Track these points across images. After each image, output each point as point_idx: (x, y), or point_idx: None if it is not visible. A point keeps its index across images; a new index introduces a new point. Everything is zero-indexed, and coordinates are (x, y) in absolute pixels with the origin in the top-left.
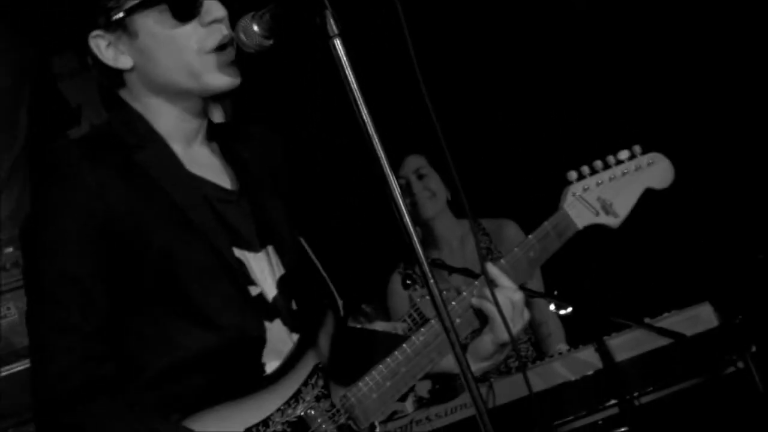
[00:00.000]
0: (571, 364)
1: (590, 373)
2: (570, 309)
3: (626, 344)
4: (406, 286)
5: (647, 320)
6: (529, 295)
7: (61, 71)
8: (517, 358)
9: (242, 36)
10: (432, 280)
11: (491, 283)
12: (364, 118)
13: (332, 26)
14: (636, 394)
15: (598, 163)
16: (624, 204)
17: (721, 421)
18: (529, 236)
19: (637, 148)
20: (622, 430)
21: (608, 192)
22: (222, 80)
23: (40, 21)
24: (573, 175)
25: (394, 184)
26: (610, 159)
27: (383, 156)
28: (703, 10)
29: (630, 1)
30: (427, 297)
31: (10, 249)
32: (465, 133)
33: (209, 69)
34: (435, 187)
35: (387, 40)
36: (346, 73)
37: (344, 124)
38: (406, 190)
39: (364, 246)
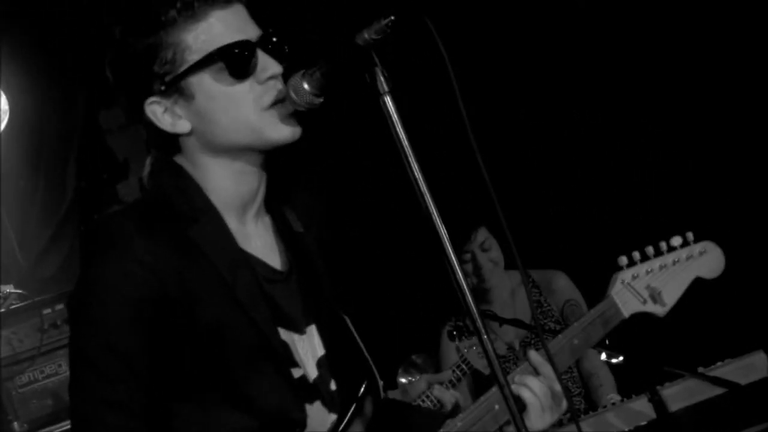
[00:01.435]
0: (624, 415)
1: (644, 423)
2: (621, 359)
3: (680, 394)
4: (452, 337)
5: (701, 369)
6: None
7: (108, 126)
8: (568, 410)
9: (293, 94)
10: (485, 336)
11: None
12: (415, 174)
13: (382, 83)
14: None
15: (650, 249)
16: (673, 293)
17: None
18: (574, 324)
19: (690, 236)
20: None
21: (658, 280)
22: (283, 132)
23: (90, 75)
24: (623, 260)
25: (446, 239)
26: (662, 245)
27: (434, 210)
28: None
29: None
30: (475, 348)
31: (60, 306)
32: (517, 181)
33: (269, 123)
34: (496, 256)
35: (439, 98)
36: (397, 130)
37: (394, 180)
38: (473, 263)
39: (418, 298)
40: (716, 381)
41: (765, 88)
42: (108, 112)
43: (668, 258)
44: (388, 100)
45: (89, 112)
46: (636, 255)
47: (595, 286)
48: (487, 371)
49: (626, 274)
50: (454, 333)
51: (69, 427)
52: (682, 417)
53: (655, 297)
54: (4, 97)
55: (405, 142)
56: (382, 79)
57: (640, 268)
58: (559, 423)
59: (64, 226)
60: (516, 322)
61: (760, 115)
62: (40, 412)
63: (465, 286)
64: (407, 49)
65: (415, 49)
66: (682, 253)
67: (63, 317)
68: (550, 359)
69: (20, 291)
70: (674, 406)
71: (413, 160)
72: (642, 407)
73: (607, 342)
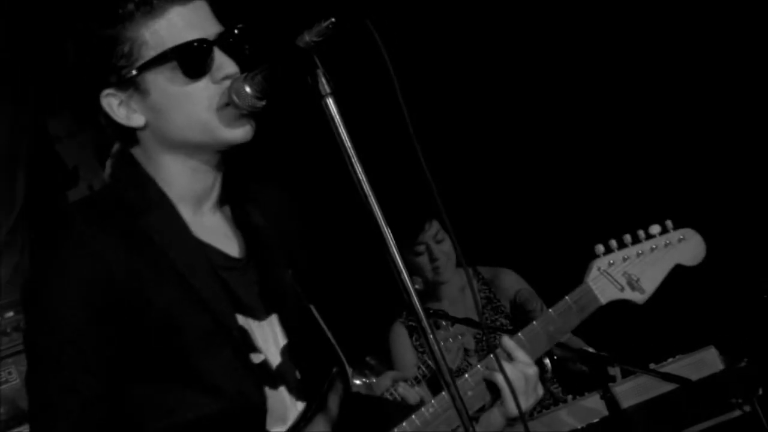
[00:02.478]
0: (576, 412)
1: (596, 420)
2: (585, 368)
3: (632, 390)
4: (411, 333)
5: (652, 366)
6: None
7: (57, 133)
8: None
9: (235, 97)
10: (432, 336)
11: (498, 356)
12: (359, 175)
13: (324, 85)
14: None
15: (627, 237)
16: (652, 280)
17: None
18: (550, 310)
19: (669, 223)
20: None
21: (635, 268)
22: (236, 133)
23: (37, 82)
24: (600, 248)
25: (391, 240)
26: (641, 233)
27: (378, 212)
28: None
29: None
30: (443, 343)
31: (11, 313)
32: (466, 180)
33: (222, 123)
34: (448, 249)
35: (381, 97)
36: (340, 131)
37: (339, 182)
38: (428, 254)
39: (362, 298)
40: (667, 377)
41: (733, 72)
42: (57, 120)
43: (646, 245)
44: (330, 102)
45: (37, 120)
46: (613, 243)
47: (572, 277)
48: (453, 366)
49: (602, 262)
50: (414, 329)
51: None
52: (634, 413)
53: (633, 284)
54: None
55: (347, 143)
56: (323, 81)
57: (617, 255)
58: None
59: (14, 234)
60: (466, 321)
61: (734, 103)
62: None
63: (407, 284)
64: (351, 50)
65: (360, 49)
66: (661, 241)
67: (13, 325)
68: (495, 355)
69: None
70: (626, 402)
71: (356, 160)
72: (594, 404)
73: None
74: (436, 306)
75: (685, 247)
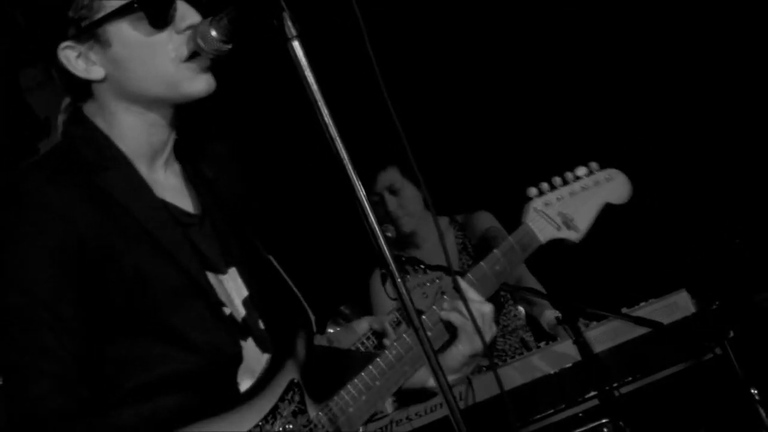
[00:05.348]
0: (549, 358)
1: (569, 365)
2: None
3: (604, 335)
4: (384, 280)
5: (624, 310)
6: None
7: (28, 84)
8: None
9: (200, 41)
10: (399, 280)
11: (461, 294)
12: (326, 120)
13: (290, 28)
14: (615, 384)
15: (557, 179)
16: (584, 219)
17: (701, 408)
18: (494, 250)
19: (594, 165)
20: (603, 421)
21: (569, 207)
22: (199, 86)
23: (6, 33)
24: (533, 191)
25: (359, 188)
26: (568, 175)
27: (346, 158)
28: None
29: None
30: (414, 290)
31: None
32: (436, 132)
33: (185, 77)
34: (409, 203)
35: (346, 40)
36: (306, 75)
37: (306, 128)
38: (381, 206)
39: (342, 248)
40: (640, 321)
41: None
42: (27, 70)
43: (576, 185)
44: (296, 45)
45: (8, 70)
46: (544, 185)
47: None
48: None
49: (538, 202)
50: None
51: None
52: (606, 358)
53: (568, 223)
54: None
55: (314, 86)
56: (289, 23)
57: (551, 196)
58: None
59: None
60: (438, 268)
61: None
62: None
63: (376, 231)
64: None
65: None
66: (589, 181)
67: None
68: (461, 294)
69: None
70: (599, 347)
71: (322, 103)
72: (567, 349)
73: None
74: (415, 253)
75: (612, 186)
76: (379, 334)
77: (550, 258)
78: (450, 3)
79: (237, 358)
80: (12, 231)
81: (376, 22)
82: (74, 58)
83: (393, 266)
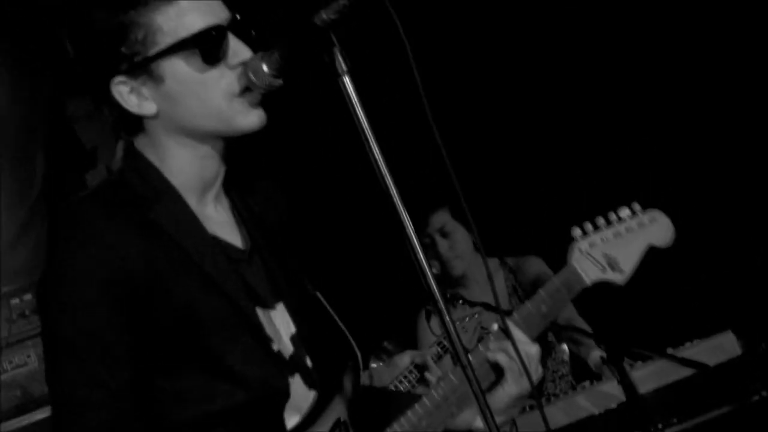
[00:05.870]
0: (594, 398)
1: (614, 405)
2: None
3: (649, 376)
4: (428, 316)
5: (670, 351)
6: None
7: (76, 113)
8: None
9: (252, 76)
10: (447, 317)
11: (508, 334)
12: (376, 156)
13: (341, 64)
14: (660, 426)
15: (601, 220)
16: (629, 261)
17: None
18: (540, 291)
19: (636, 206)
20: None
21: (613, 248)
22: (251, 121)
23: (56, 62)
24: (577, 231)
25: (408, 224)
26: (612, 216)
27: (396, 195)
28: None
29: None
30: (459, 323)
31: (29, 296)
32: (486, 174)
33: (238, 111)
34: (460, 246)
35: (398, 77)
36: (357, 111)
37: (356, 163)
38: (432, 248)
39: (390, 285)
40: (685, 362)
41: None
42: (75, 100)
43: (620, 227)
44: (347, 80)
45: (56, 100)
46: (588, 226)
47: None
48: (470, 346)
49: (583, 243)
50: (432, 313)
51: (37, 418)
52: (651, 399)
53: (613, 265)
54: None
55: (364, 122)
56: (340, 59)
57: (595, 237)
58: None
59: (33, 216)
60: (483, 305)
61: (706, 94)
62: (8, 403)
63: (426, 267)
64: (367, 28)
65: (375, 28)
66: (633, 222)
67: (31, 307)
68: (508, 334)
69: None
70: (644, 387)
71: (373, 140)
72: (612, 389)
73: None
74: (462, 292)
75: (656, 228)
76: (421, 368)
77: (596, 297)
78: (501, 44)
79: (285, 394)
80: (65, 264)
81: (428, 58)
82: (127, 93)
83: (441, 303)
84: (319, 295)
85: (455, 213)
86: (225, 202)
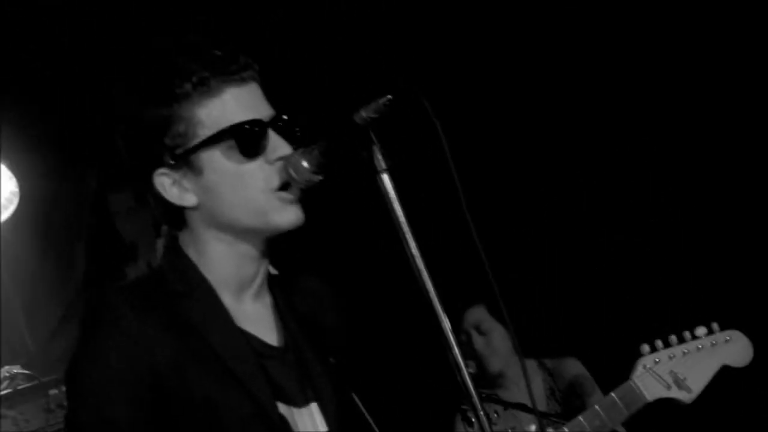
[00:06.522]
0: None
1: None
2: None
3: None
4: (468, 422)
5: None
6: None
7: (117, 209)
8: None
9: (292, 172)
10: (482, 412)
11: None
12: (413, 252)
13: (380, 161)
14: None
15: (673, 338)
16: (698, 380)
17: None
18: (595, 406)
19: (715, 326)
20: None
21: (681, 366)
22: (287, 218)
23: (101, 158)
24: (646, 348)
25: (443, 317)
26: (686, 334)
27: (432, 289)
28: None
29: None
30: None
31: (55, 391)
32: (525, 273)
33: (274, 207)
34: (497, 343)
35: (435, 176)
36: (394, 208)
37: (393, 260)
38: (468, 345)
39: (427, 386)
40: None
41: None
42: (117, 195)
43: (691, 345)
44: (386, 178)
45: (98, 195)
46: (659, 343)
47: (616, 374)
48: None
49: (648, 360)
50: (469, 416)
51: None
52: None
53: (680, 383)
54: (15, 180)
55: (402, 219)
56: (379, 156)
57: (663, 354)
58: None
59: (73, 308)
60: (519, 406)
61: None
62: None
63: (462, 367)
64: (405, 126)
65: (412, 126)
66: (707, 341)
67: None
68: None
69: (27, 371)
70: None
71: (410, 237)
72: None
73: None
74: (503, 393)
75: (732, 348)
76: None
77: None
78: (551, 126)
79: None
80: (91, 353)
81: (464, 154)
82: (169, 185)
83: (476, 399)
84: (355, 397)
85: (492, 310)
86: (267, 300)
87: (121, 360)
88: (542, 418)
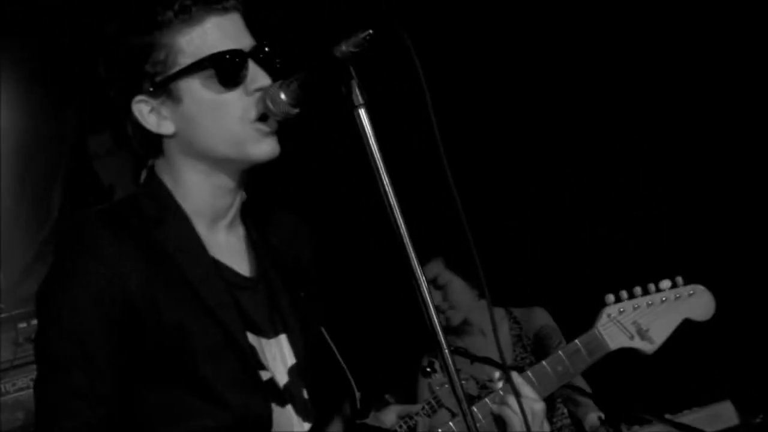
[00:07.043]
0: None
1: None
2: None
3: None
4: (425, 374)
5: (667, 416)
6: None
7: (96, 150)
8: None
9: (269, 104)
10: (452, 367)
11: (513, 388)
12: (386, 188)
13: (358, 96)
14: None
15: (638, 289)
16: (661, 331)
17: None
18: (559, 351)
19: (679, 279)
20: None
21: (645, 317)
22: (263, 150)
23: (80, 99)
24: (610, 298)
25: (415, 260)
26: (651, 286)
27: (404, 229)
28: None
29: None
30: (446, 385)
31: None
32: (493, 219)
33: (251, 138)
34: (456, 296)
35: (413, 112)
36: (370, 143)
37: (366, 196)
38: None
39: (395, 334)
40: (683, 428)
41: None
42: (97, 137)
43: (656, 297)
44: (363, 113)
45: (79, 135)
46: (623, 293)
47: (580, 323)
48: (456, 409)
49: (612, 309)
50: (428, 369)
51: None
52: None
53: (643, 334)
54: None
55: (377, 156)
56: (357, 91)
57: (627, 305)
58: None
59: (47, 246)
60: (486, 360)
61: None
62: (10, 424)
63: (434, 317)
64: (383, 62)
65: (391, 62)
66: (671, 294)
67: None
68: (515, 390)
69: None
70: None
71: (384, 173)
72: None
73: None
74: (466, 341)
75: (695, 302)
76: (410, 423)
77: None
78: (521, 80)
79: (266, 422)
80: (63, 275)
81: (441, 93)
82: (147, 113)
83: (447, 352)
84: (324, 330)
85: (450, 263)
86: (240, 231)
87: (95, 282)
88: (519, 372)
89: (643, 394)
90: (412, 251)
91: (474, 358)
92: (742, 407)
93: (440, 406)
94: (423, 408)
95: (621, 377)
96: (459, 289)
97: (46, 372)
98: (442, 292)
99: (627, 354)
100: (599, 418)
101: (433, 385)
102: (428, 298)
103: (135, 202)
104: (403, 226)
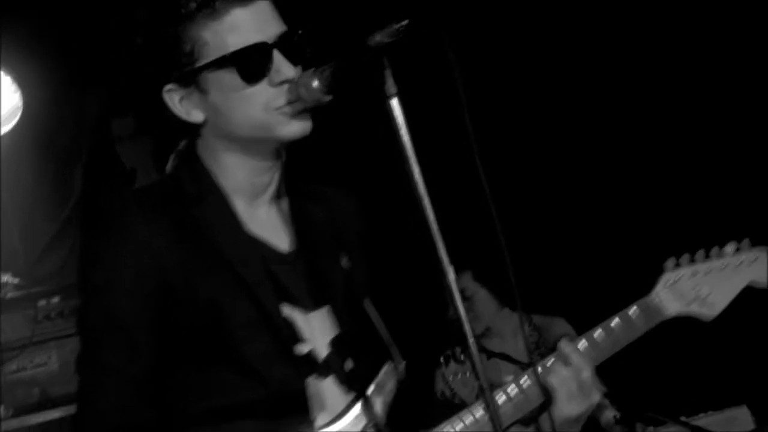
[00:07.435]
0: None
1: None
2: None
3: None
4: (442, 364)
5: (683, 419)
6: None
7: (119, 133)
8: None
9: (303, 90)
10: (474, 344)
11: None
12: (416, 178)
13: (390, 86)
14: None
15: (700, 254)
16: (721, 298)
17: None
18: (615, 317)
19: (746, 242)
20: None
21: (705, 283)
22: (293, 128)
23: (102, 82)
24: (671, 263)
25: (442, 249)
26: (714, 250)
27: (432, 217)
28: None
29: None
30: (460, 376)
31: (57, 299)
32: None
33: (278, 122)
34: (480, 308)
35: (447, 108)
36: (401, 134)
37: (395, 187)
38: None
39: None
40: (698, 430)
41: None
42: (120, 120)
43: (716, 263)
44: (395, 103)
45: (102, 117)
46: (684, 258)
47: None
48: (470, 400)
49: (671, 275)
50: (442, 360)
51: (52, 416)
52: None
53: (702, 300)
54: (19, 93)
55: (408, 146)
56: (390, 81)
57: (686, 270)
58: None
59: (68, 225)
60: (503, 356)
61: None
62: (26, 400)
63: (459, 304)
64: (418, 54)
65: (426, 54)
66: (734, 259)
67: (57, 310)
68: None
69: (17, 281)
70: None
71: (415, 165)
72: None
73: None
74: (485, 343)
75: (759, 267)
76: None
77: (615, 356)
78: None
79: (302, 395)
80: (99, 255)
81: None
82: (177, 101)
83: (469, 332)
84: (367, 303)
85: (477, 276)
86: (284, 205)
87: (129, 260)
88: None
89: (660, 396)
90: (440, 242)
91: (491, 354)
92: (759, 413)
93: (454, 396)
94: (436, 399)
95: (638, 377)
96: (483, 299)
97: (86, 346)
98: (467, 303)
99: (644, 353)
100: (614, 417)
101: (447, 375)
102: (455, 287)
103: (173, 181)
104: (432, 215)
